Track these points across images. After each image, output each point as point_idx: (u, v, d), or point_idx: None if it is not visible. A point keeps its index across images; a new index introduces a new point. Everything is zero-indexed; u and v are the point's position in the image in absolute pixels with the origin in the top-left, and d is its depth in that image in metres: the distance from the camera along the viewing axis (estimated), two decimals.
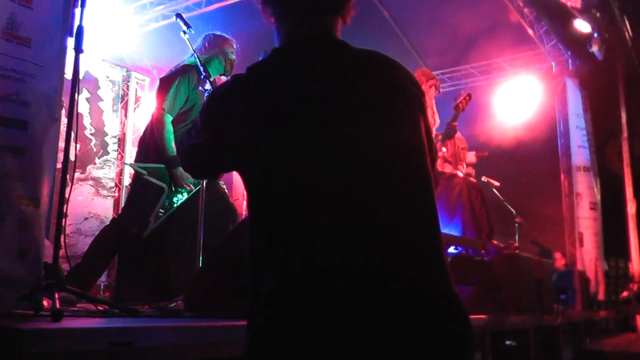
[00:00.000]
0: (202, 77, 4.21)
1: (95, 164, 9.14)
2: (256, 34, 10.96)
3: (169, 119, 4.44)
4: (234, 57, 4.81)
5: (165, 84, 4.51)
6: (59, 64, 2.97)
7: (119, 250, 4.56)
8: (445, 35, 10.75)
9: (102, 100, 9.40)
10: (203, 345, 2.41)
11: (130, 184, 4.59)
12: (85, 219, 8.89)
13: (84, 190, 8.90)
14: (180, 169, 4.31)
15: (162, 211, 4.42)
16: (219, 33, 4.82)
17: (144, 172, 4.43)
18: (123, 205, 4.61)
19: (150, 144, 4.54)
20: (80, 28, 3.07)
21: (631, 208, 11.91)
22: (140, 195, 4.52)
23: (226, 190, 4.82)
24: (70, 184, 7.79)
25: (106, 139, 9.49)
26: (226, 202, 4.72)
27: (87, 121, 9.26)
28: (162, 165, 4.42)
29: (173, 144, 4.36)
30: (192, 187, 4.47)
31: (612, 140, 12.69)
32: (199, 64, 4.26)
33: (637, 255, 11.82)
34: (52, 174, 2.89)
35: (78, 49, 3.05)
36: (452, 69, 12.48)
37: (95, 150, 9.29)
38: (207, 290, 3.26)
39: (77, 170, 9.00)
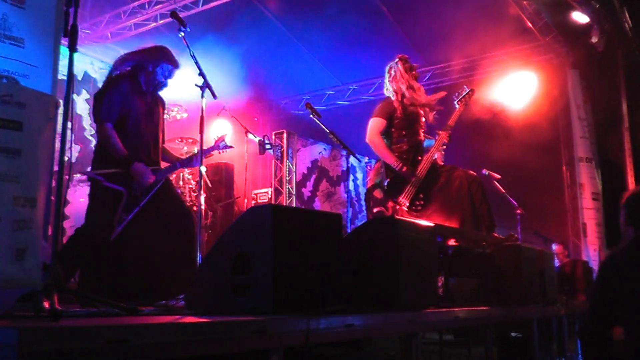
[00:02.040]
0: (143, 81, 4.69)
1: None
2: (250, 32, 10.96)
3: (109, 125, 4.60)
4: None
5: (99, 98, 4.74)
6: (53, 64, 2.95)
7: (83, 261, 4.60)
8: (444, 29, 10.74)
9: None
10: (202, 342, 2.40)
11: (88, 194, 4.64)
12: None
13: (85, 192, 8.89)
14: (137, 165, 4.41)
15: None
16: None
17: (101, 178, 4.49)
18: (85, 215, 4.64)
19: (102, 152, 4.60)
20: (74, 27, 3.06)
21: None
22: (101, 203, 4.57)
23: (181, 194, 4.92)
24: (70, 185, 7.79)
25: None
26: (180, 207, 4.79)
27: (86, 122, 9.26)
28: (118, 170, 4.48)
29: (120, 146, 4.52)
30: (152, 180, 4.55)
31: (613, 131, 12.64)
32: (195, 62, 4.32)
33: None
34: (48, 175, 2.89)
35: (72, 49, 3.04)
36: (452, 63, 12.46)
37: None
38: (206, 287, 3.26)
39: (77, 172, 9.01)
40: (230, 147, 5.51)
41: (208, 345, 2.43)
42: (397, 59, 5.99)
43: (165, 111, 5.25)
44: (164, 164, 5.01)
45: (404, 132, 5.79)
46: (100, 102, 4.69)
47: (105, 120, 4.62)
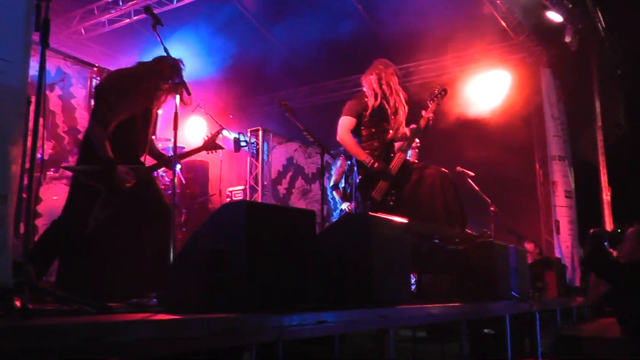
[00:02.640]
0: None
1: (69, 162, 9.05)
2: (226, 29, 10.91)
3: (101, 127, 4.54)
4: None
5: (103, 96, 4.67)
6: (24, 59, 2.92)
7: (58, 253, 4.58)
8: (419, 27, 10.78)
9: (75, 97, 9.31)
10: (174, 339, 2.39)
11: (69, 188, 4.63)
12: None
13: (59, 189, 8.80)
14: (119, 170, 4.41)
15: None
16: None
17: (80, 174, 4.48)
18: (63, 207, 4.62)
19: (88, 147, 4.57)
20: (46, 22, 3.03)
21: (606, 195, 12.03)
22: (78, 198, 4.56)
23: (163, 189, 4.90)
24: (42, 182, 7.74)
25: (80, 136, 9.40)
26: (159, 205, 4.77)
27: (60, 119, 9.16)
28: (98, 167, 4.46)
29: (106, 148, 4.47)
30: (132, 184, 4.54)
31: (586, 129, 12.79)
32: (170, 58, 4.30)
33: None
34: (19, 171, 2.86)
35: (44, 44, 3.01)
36: (426, 61, 12.51)
37: (69, 148, 9.20)
38: (181, 285, 3.25)
39: (51, 168, 8.92)
40: (222, 147, 5.47)
41: (180, 342, 2.42)
42: (382, 66, 6.01)
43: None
44: (149, 159, 5.00)
45: (373, 130, 5.84)
46: (103, 103, 4.63)
47: (101, 124, 4.56)
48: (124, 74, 4.79)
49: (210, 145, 5.24)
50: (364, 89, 5.97)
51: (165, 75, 4.68)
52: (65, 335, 2.02)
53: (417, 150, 6.63)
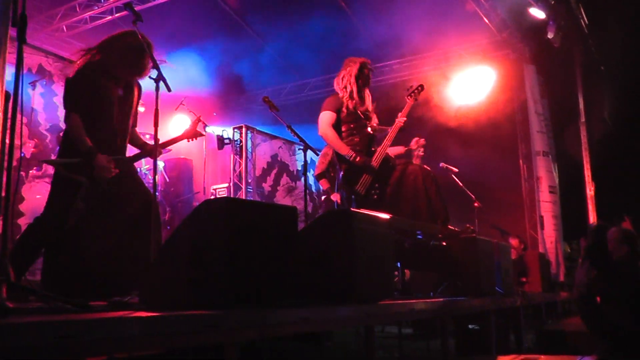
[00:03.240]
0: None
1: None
2: (209, 26, 10.86)
3: (77, 115, 4.50)
4: None
5: (70, 85, 4.62)
6: (0, 55, 2.89)
7: (42, 247, 4.56)
8: (402, 24, 10.79)
9: (57, 94, 9.25)
10: (154, 336, 2.37)
11: (51, 182, 4.59)
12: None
13: (42, 188, 8.74)
14: (100, 159, 4.37)
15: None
16: None
17: (61, 167, 4.45)
18: (45, 202, 4.59)
19: (68, 141, 4.56)
20: (23, 17, 2.99)
21: (590, 190, 12.10)
22: (59, 192, 4.53)
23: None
24: (25, 181, 7.67)
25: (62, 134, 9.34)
26: (142, 191, 4.74)
27: (42, 117, 9.10)
28: (79, 160, 4.42)
29: (84, 137, 4.42)
30: (114, 174, 4.50)
31: (570, 125, 12.86)
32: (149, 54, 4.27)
33: None
34: None
35: (21, 39, 2.97)
36: (410, 58, 12.52)
37: (51, 146, 9.13)
38: (162, 282, 3.22)
39: (33, 167, 8.86)
40: (202, 135, 5.41)
41: (160, 339, 2.40)
42: (358, 62, 6.04)
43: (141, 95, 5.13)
44: (131, 149, 4.95)
45: (352, 126, 5.86)
46: (71, 90, 4.60)
47: (73, 109, 4.51)
48: (91, 62, 4.75)
49: (191, 133, 5.18)
50: (342, 87, 6.00)
51: (132, 47, 4.68)
52: (39, 332, 1.99)
53: (422, 154, 6.64)
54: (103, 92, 4.64)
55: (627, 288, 4.64)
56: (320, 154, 6.88)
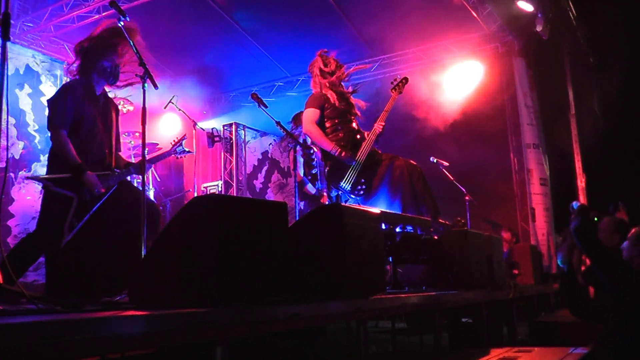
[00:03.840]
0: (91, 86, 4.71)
1: (41, 161, 8.95)
2: (197, 24, 10.83)
3: (64, 132, 4.58)
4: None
5: (53, 104, 4.69)
6: None
7: (33, 260, 4.67)
8: (391, 19, 10.78)
9: (45, 95, 9.20)
10: (143, 335, 2.36)
11: (42, 198, 4.61)
12: (33, 218, 8.70)
13: (31, 189, 8.70)
14: (88, 175, 4.39)
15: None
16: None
17: (50, 183, 4.46)
18: (37, 219, 4.62)
19: (56, 156, 4.64)
20: (6, 15, 2.97)
21: (581, 182, 12.13)
22: (50, 207, 4.56)
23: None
24: (14, 182, 7.63)
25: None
26: (138, 200, 4.75)
27: (30, 117, 9.06)
28: (69, 175, 4.43)
29: (73, 154, 4.50)
30: (103, 191, 4.52)
31: (560, 117, 12.88)
32: (136, 52, 4.26)
33: None
34: None
35: (5, 37, 2.95)
36: (398, 53, 12.50)
37: (40, 147, 9.09)
38: (150, 281, 3.21)
39: (23, 169, 8.81)
40: (189, 152, 5.46)
41: (151, 338, 2.39)
42: (316, 56, 6.12)
43: (119, 116, 5.18)
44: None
45: (337, 121, 5.88)
46: (55, 109, 4.66)
47: (60, 126, 4.59)
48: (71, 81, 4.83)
49: (177, 151, 5.25)
50: (318, 84, 6.04)
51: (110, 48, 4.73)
52: (25, 333, 1.97)
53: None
54: (85, 106, 4.68)
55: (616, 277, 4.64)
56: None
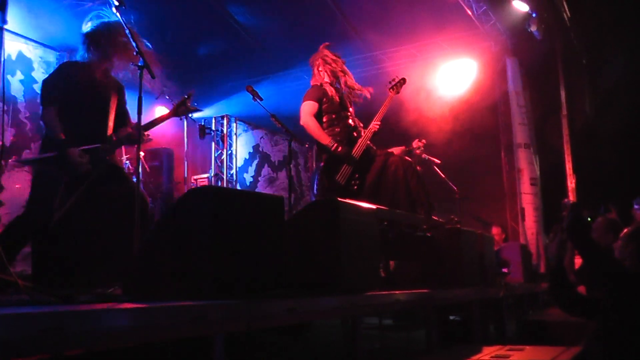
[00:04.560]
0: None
1: (31, 149, 8.88)
2: (190, 16, 10.77)
3: (51, 109, 4.52)
4: None
5: (46, 82, 4.67)
6: None
7: (24, 245, 4.55)
8: (385, 15, 10.77)
9: (37, 82, 9.13)
10: (139, 329, 2.33)
11: (31, 178, 4.59)
12: (24, 206, 8.64)
13: (21, 177, 8.63)
14: (71, 153, 4.33)
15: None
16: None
17: (36, 163, 4.43)
18: (27, 200, 4.57)
19: (46, 136, 4.60)
20: (4, 3, 2.94)
21: (571, 183, 12.19)
22: (38, 188, 4.52)
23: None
24: (4, 170, 7.57)
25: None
26: (126, 193, 4.69)
27: (21, 105, 8.98)
28: (54, 154, 4.39)
29: (57, 130, 4.44)
30: (89, 168, 4.44)
31: (551, 117, 12.93)
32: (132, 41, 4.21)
33: None
34: None
35: (3, 21, 2.92)
36: (392, 49, 12.49)
37: (31, 135, 9.02)
38: (146, 273, 3.18)
39: (13, 156, 8.74)
40: (198, 109, 5.30)
41: (145, 332, 2.37)
42: (319, 50, 6.08)
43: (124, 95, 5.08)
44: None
45: (334, 116, 5.86)
46: (46, 86, 4.63)
47: (48, 103, 4.54)
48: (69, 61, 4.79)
49: (181, 109, 5.07)
50: (325, 75, 6.01)
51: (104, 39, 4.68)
52: (23, 324, 1.94)
53: (419, 156, 6.64)
54: (80, 86, 4.62)
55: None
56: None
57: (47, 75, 4.79)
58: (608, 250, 5.00)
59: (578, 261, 5.22)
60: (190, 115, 8.69)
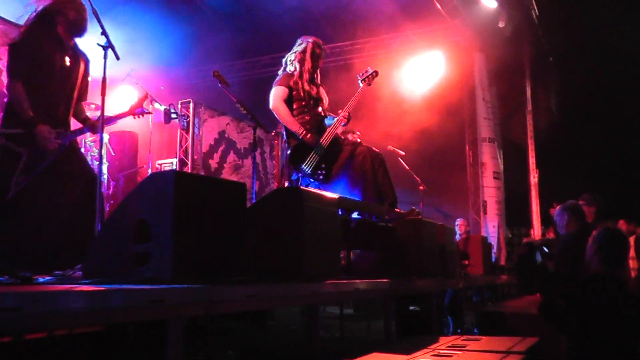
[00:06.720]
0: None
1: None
2: None
3: (19, 83, 4.43)
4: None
5: (13, 51, 4.52)
6: None
7: None
8: (354, 6, 10.78)
9: (1, 59, 8.95)
10: (97, 311, 2.32)
11: None
12: None
13: None
14: (40, 129, 4.27)
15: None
16: None
17: (1, 137, 4.35)
18: None
19: (11, 109, 4.47)
20: None
21: (534, 177, 12.36)
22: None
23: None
24: None
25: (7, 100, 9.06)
26: (85, 173, 4.64)
27: None
28: (20, 130, 4.32)
29: (26, 106, 4.36)
30: (56, 146, 4.39)
31: (517, 113, 13.08)
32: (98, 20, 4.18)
33: (538, 222, 12.32)
34: None
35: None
36: (361, 41, 12.52)
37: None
38: (105, 256, 3.17)
39: None
40: (149, 112, 5.31)
41: (103, 314, 2.36)
42: (311, 41, 6.02)
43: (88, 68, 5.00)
44: (74, 123, 4.84)
45: (303, 104, 5.84)
46: (13, 57, 4.49)
47: (16, 76, 4.43)
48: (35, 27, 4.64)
49: (137, 109, 5.06)
50: (290, 64, 5.99)
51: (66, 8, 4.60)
52: None
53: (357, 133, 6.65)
54: (47, 59, 4.53)
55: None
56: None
57: (14, 41, 4.58)
58: (576, 233, 5.13)
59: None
60: (155, 101, 8.64)
